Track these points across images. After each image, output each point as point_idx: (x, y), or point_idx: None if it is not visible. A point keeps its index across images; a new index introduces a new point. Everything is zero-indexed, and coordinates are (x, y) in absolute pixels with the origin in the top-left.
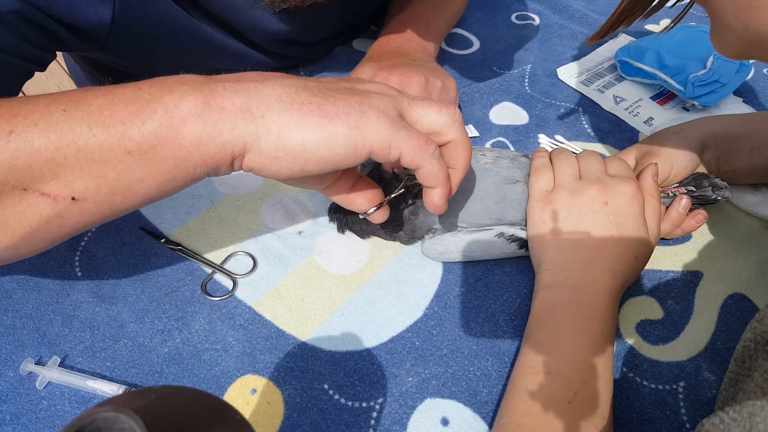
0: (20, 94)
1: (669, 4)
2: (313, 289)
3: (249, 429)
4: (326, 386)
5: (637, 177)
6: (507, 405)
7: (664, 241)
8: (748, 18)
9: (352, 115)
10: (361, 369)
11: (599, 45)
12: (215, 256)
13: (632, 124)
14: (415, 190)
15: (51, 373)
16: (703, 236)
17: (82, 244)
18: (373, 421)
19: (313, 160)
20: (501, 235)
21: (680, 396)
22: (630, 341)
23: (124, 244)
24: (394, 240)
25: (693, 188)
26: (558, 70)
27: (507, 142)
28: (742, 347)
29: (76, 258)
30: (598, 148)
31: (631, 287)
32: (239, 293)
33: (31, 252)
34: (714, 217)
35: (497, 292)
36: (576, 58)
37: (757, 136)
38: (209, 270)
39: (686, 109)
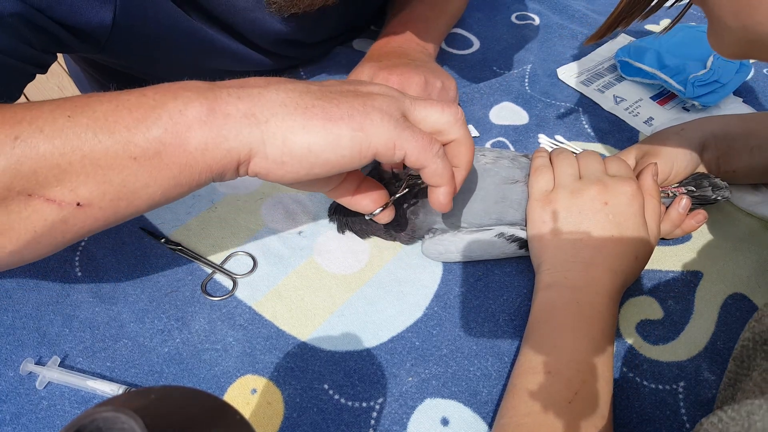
0: (21, 97)
1: (667, 4)
2: (313, 289)
3: (249, 429)
4: (326, 386)
5: (637, 177)
6: (507, 405)
7: (664, 241)
8: (745, 18)
9: (356, 117)
10: (361, 369)
11: (599, 45)
12: (215, 256)
13: (632, 124)
14: (415, 190)
15: (51, 373)
16: (703, 236)
17: (82, 244)
18: (373, 421)
19: (319, 164)
20: (501, 235)
21: (680, 396)
22: (630, 341)
23: (124, 244)
24: (394, 240)
25: (693, 188)
26: (558, 70)
27: (507, 142)
28: (740, 347)
29: (76, 258)
30: (598, 148)
31: (631, 287)
32: (239, 293)
33: (36, 257)
34: (714, 217)
35: (497, 292)
36: (576, 58)
37: (757, 136)
38: (209, 270)
39: (686, 109)
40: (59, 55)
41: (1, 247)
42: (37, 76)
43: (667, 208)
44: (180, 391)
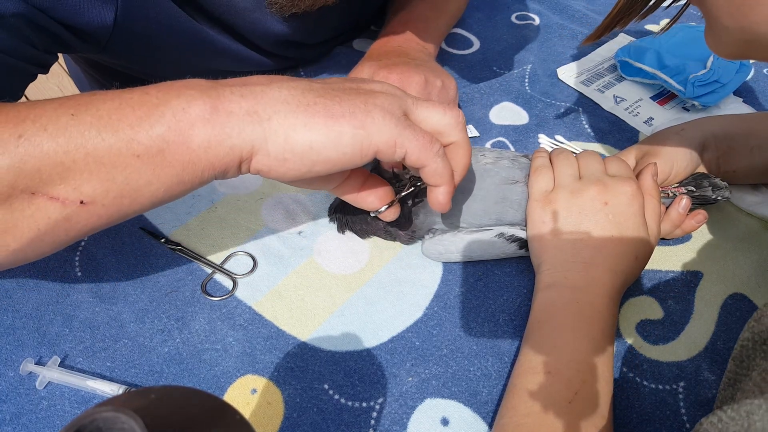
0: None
1: (665, 4)
2: (313, 289)
3: (249, 429)
4: (326, 386)
5: (637, 177)
6: (507, 405)
7: (664, 241)
8: (742, 18)
9: (357, 115)
10: (361, 369)
11: (599, 45)
12: (215, 256)
13: (632, 124)
14: (415, 190)
15: (51, 373)
16: (703, 236)
17: (82, 244)
18: (373, 421)
19: (320, 161)
20: (501, 235)
21: (680, 396)
22: (630, 341)
23: (124, 244)
24: (394, 240)
25: (693, 188)
26: (558, 70)
27: (507, 142)
28: (740, 347)
29: (76, 258)
30: (598, 148)
31: (631, 287)
32: (239, 293)
33: (39, 255)
34: (714, 217)
35: (497, 292)
36: (576, 58)
37: (757, 136)
38: (209, 270)
39: (686, 109)
40: (59, 55)
41: (5, 245)
42: (38, 76)
43: (667, 208)
44: (180, 391)
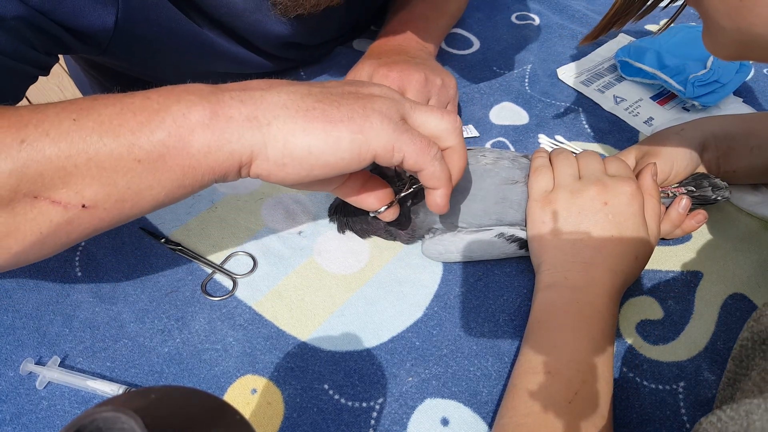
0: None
1: (662, 4)
2: (313, 289)
3: (249, 429)
4: (326, 386)
5: (637, 177)
6: (507, 405)
7: (664, 241)
8: (739, 19)
9: (356, 119)
10: (361, 369)
11: (599, 45)
12: (215, 256)
13: (632, 124)
14: (414, 190)
15: (51, 373)
16: (703, 236)
17: (83, 244)
18: (373, 421)
19: (319, 165)
20: (501, 235)
21: (680, 396)
22: (630, 341)
23: (124, 244)
24: (394, 240)
25: (693, 188)
26: (558, 70)
27: (507, 142)
28: (739, 347)
29: (76, 258)
30: (598, 148)
31: (631, 287)
32: (239, 293)
33: (40, 257)
34: (714, 217)
35: (497, 292)
36: (576, 58)
37: (757, 136)
38: (209, 270)
39: (686, 109)
40: (59, 56)
41: (7, 248)
42: (38, 77)
43: (667, 208)
44: (180, 391)
